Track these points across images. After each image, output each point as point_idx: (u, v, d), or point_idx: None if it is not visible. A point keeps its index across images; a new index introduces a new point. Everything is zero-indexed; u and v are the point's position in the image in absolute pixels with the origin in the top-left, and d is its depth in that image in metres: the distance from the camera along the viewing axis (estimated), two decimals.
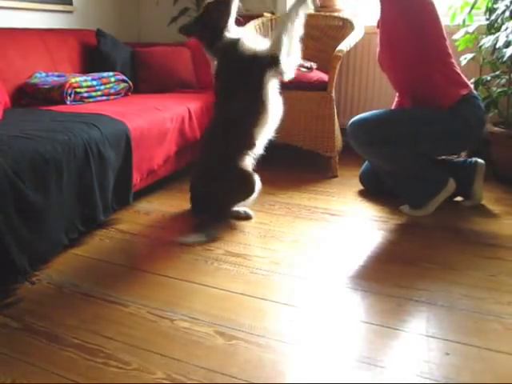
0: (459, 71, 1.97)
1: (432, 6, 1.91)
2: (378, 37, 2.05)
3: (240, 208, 1.99)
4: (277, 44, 1.75)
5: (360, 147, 2.03)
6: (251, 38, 1.88)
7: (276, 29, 1.81)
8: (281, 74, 1.81)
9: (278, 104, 1.90)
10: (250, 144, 1.89)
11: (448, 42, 1.96)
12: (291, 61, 1.80)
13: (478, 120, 1.95)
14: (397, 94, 2.21)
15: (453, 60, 1.96)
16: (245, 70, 1.80)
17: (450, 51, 1.96)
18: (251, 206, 2.06)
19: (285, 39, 1.74)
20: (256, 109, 1.82)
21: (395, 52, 1.97)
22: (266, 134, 1.91)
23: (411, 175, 1.99)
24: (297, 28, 1.77)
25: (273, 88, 1.85)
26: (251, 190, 1.89)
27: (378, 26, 2.05)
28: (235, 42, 1.82)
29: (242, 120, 1.84)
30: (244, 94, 1.81)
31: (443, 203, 2.12)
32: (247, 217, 1.99)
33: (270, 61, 1.76)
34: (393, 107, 2.23)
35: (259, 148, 1.93)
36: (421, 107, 1.98)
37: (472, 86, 1.98)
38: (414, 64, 1.93)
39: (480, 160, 2.11)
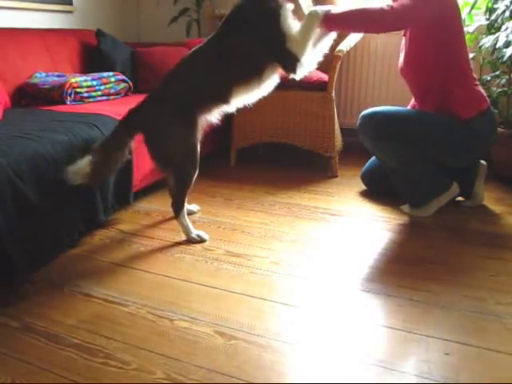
0: (479, 85, 1.96)
1: (459, 17, 1.89)
2: (404, 44, 2.02)
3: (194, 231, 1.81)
4: (302, 42, 1.63)
5: (368, 140, 2.01)
6: (291, 16, 1.66)
7: (303, 28, 1.62)
8: (289, 70, 1.67)
9: (273, 81, 1.75)
10: (224, 97, 1.69)
11: (469, 57, 1.94)
12: (307, 66, 1.69)
13: (491, 135, 1.97)
14: (413, 99, 2.18)
15: (474, 74, 1.95)
16: (265, 31, 1.62)
17: (472, 64, 1.95)
18: (251, 205, 2.06)
19: (309, 42, 1.64)
20: (253, 66, 1.66)
21: (419, 63, 1.95)
22: (244, 97, 1.73)
23: (415, 174, 1.98)
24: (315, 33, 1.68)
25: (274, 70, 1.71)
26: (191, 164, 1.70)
27: (404, 34, 2.03)
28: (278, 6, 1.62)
29: (235, 65, 1.66)
30: (248, 46, 1.64)
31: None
32: (201, 240, 1.79)
33: (287, 52, 1.63)
34: (408, 107, 2.21)
35: (229, 107, 1.74)
36: (437, 113, 1.96)
37: (488, 101, 1.97)
38: (435, 77, 1.92)
39: (482, 161, 2.11)
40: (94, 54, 2.78)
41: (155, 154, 1.72)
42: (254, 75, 1.67)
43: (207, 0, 3.27)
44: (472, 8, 2.44)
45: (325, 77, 2.51)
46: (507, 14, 2.28)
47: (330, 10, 1.70)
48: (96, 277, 1.53)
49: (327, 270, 1.58)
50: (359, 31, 2.26)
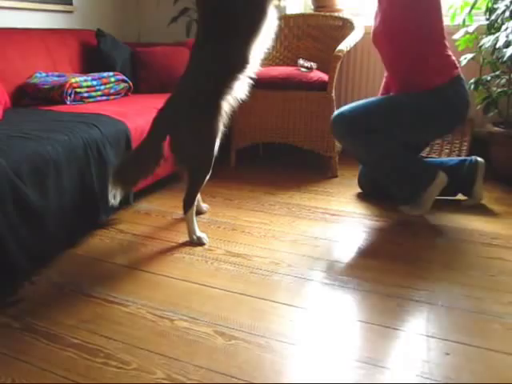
0: (451, 52, 1.98)
1: None
2: (378, 10, 2.02)
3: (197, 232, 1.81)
4: None
5: (345, 140, 2.01)
6: None
7: None
8: None
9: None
10: (243, 60, 1.68)
11: (444, 25, 1.96)
12: None
13: (463, 100, 1.95)
14: (385, 75, 2.20)
15: (446, 42, 1.96)
16: None
17: (445, 33, 1.96)
18: (251, 205, 2.06)
19: None
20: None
21: (395, 29, 1.95)
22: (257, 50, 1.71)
23: (396, 167, 1.97)
24: None
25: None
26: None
27: (378, 1, 2.03)
28: None
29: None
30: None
31: (443, 203, 2.13)
32: (200, 243, 1.78)
33: None
34: (380, 89, 2.25)
35: (252, 68, 1.72)
36: (405, 92, 1.97)
37: (459, 69, 1.98)
38: (414, 42, 1.92)
39: (480, 159, 2.11)
40: (93, 54, 2.78)
41: (179, 155, 1.75)
42: (262, 16, 1.65)
43: None
44: (472, 8, 2.44)
45: (325, 77, 2.51)
46: (507, 14, 2.28)
47: None
48: (96, 277, 1.53)
49: (327, 269, 1.58)
50: None
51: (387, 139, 1.93)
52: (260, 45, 1.71)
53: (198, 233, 1.80)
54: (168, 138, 1.72)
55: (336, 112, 2.04)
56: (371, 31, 2.09)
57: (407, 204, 2.04)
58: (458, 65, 1.97)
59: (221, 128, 1.75)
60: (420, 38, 1.91)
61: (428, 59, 1.92)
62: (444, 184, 2.01)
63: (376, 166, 2.03)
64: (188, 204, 1.77)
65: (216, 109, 1.70)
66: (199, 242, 1.77)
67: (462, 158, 2.18)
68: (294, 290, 1.46)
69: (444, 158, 2.21)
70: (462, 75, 1.98)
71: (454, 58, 1.97)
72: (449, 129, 2.07)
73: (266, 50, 1.78)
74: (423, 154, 2.68)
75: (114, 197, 1.68)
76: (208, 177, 1.78)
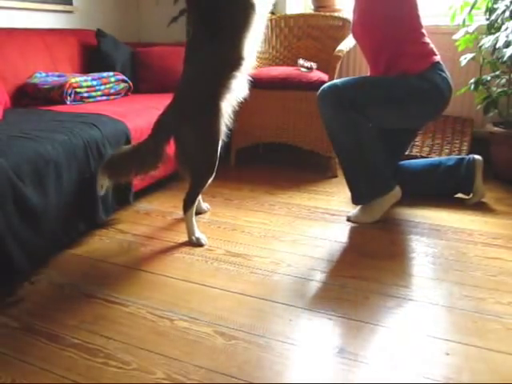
0: (429, 40, 1.98)
1: None
2: (355, 3, 2.03)
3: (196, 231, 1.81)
4: None
5: (329, 111, 1.93)
6: None
7: None
8: None
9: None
10: (238, 58, 1.66)
11: (420, 13, 1.95)
12: None
13: (445, 84, 1.94)
14: (369, 68, 2.19)
15: (423, 30, 1.97)
16: None
17: (422, 21, 1.96)
18: (251, 205, 2.06)
19: None
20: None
21: (370, 20, 1.97)
22: (254, 41, 1.70)
23: (364, 160, 1.91)
24: None
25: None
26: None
27: None
28: None
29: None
30: None
31: (443, 203, 2.13)
32: (198, 244, 1.77)
33: None
34: None
35: (245, 66, 1.70)
36: (390, 73, 1.97)
37: (438, 55, 1.98)
38: (390, 31, 1.92)
39: (477, 156, 2.12)
40: (93, 54, 2.78)
41: (181, 157, 1.76)
42: (248, 9, 1.62)
43: None
44: (472, 8, 2.44)
45: (325, 77, 2.51)
46: (507, 14, 2.28)
47: None
48: (96, 277, 1.53)
49: (327, 269, 1.58)
50: None
51: (369, 124, 1.89)
52: (253, 39, 1.69)
53: (197, 233, 1.79)
54: (172, 140, 1.72)
55: (325, 84, 2.00)
56: (350, 25, 2.10)
57: (358, 203, 2.00)
58: (435, 51, 1.97)
59: (223, 129, 1.74)
60: (393, 29, 1.92)
61: (405, 49, 1.92)
62: (397, 199, 1.97)
63: (347, 149, 1.94)
64: (188, 204, 1.77)
65: (216, 110, 1.69)
66: (198, 243, 1.77)
67: (460, 156, 2.18)
68: (294, 290, 1.46)
69: (442, 158, 2.21)
70: (441, 62, 1.98)
71: (432, 45, 1.97)
72: (434, 113, 2.04)
73: (260, 44, 1.76)
74: (423, 154, 2.69)
75: (102, 186, 1.67)
76: (211, 179, 1.78)
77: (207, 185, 1.79)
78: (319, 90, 1.99)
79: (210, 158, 1.74)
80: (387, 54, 1.95)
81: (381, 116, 1.94)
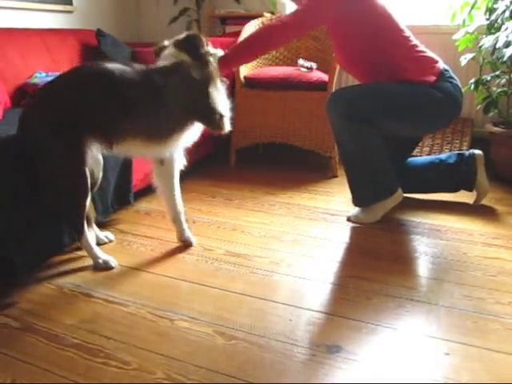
0: (424, 49, 1.92)
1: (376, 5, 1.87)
2: (333, 41, 2.01)
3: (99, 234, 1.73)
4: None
5: (338, 119, 1.89)
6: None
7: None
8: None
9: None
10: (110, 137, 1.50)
11: (402, 27, 1.91)
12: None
13: (458, 91, 1.92)
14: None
15: (414, 42, 1.91)
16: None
17: (408, 34, 1.91)
18: (251, 205, 2.05)
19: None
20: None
21: (350, 56, 1.94)
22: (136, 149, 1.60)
23: (370, 167, 1.91)
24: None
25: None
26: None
27: (328, 33, 2.02)
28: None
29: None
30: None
31: (444, 203, 2.13)
32: (107, 268, 1.57)
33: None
34: None
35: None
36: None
37: (441, 62, 1.94)
38: (374, 59, 1.89)
39: (477, 151, 2.10)
40: (93, 54, 2.78)
41: None
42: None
43: (207, 0, 3.27)
44: (472, 8, 2.44)
45: (325, 77, 2.51)
46: (507, 14, 2.28)
47: (217, 54, 1.66)
48: (96, 277, 1.53)
49: (327, 269, 1.58)
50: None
51: (378, 133, 1.87)
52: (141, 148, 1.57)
53: (103, 256, 1.59)
54: None
55: (336, 90, 1.98)
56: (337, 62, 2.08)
57: (359, 205, 1.99)
58: (437, 58, 1.93)
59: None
60: (379, 53, 1.88)
61: (403, 64, 1.88)
62: (399, 201, 1.97)
63: (353, 157, 1.94)
64: (74, 229, 1.55)
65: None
66: (107, 266, 1.57)
67: (459, 152, 2.15)
68: (293, 290, 1.46)
69: (442, 156, 2.18)
70: (446, 66, 1.94)
71: (429, 54, 1.92)
72: (449, 121, 2.02)
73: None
74: (423, 154, 2.69)
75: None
76: (83, 204, 1.51)
77: (82, 207, 1.52)
78: (331, 94, 1.95)
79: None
80: (386, 74, 1.90)
81: (394, 128, 1.92)
